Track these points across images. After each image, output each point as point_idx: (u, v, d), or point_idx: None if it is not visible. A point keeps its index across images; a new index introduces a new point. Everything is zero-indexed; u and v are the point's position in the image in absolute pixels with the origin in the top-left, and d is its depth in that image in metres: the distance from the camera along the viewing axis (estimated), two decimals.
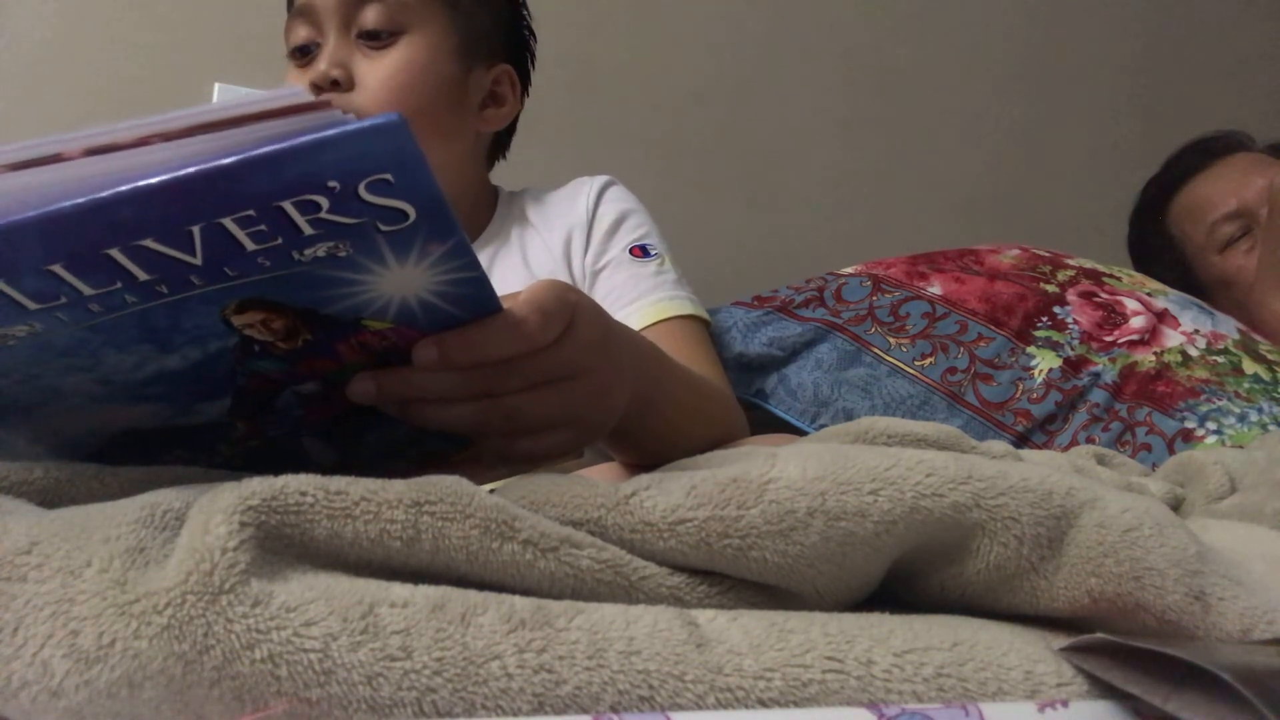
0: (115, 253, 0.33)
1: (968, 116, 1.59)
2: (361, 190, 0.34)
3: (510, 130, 0.99)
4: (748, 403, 0.96)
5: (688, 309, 0.87)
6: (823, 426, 0.88)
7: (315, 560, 0.34)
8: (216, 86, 1.23)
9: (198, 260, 0.35)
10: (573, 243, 0.91)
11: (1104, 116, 1.65)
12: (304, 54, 0.88)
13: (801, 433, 0.89)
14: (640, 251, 0.90)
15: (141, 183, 0.32)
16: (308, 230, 0.35)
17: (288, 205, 0.33)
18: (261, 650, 0.30)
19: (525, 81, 0.98)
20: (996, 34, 1.61)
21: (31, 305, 0.35)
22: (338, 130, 0.32)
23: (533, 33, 0.99)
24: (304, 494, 0.34)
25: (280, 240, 0.35)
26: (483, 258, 0.92)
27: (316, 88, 0.84)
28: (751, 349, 0.98)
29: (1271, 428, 0.83)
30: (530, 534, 0.36)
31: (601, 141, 1.39)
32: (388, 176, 0.34)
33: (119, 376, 0.40)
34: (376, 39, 0.85)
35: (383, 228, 0.36)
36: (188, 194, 0.32)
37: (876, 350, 0.95)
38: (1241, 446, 0.78)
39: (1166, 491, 0.61)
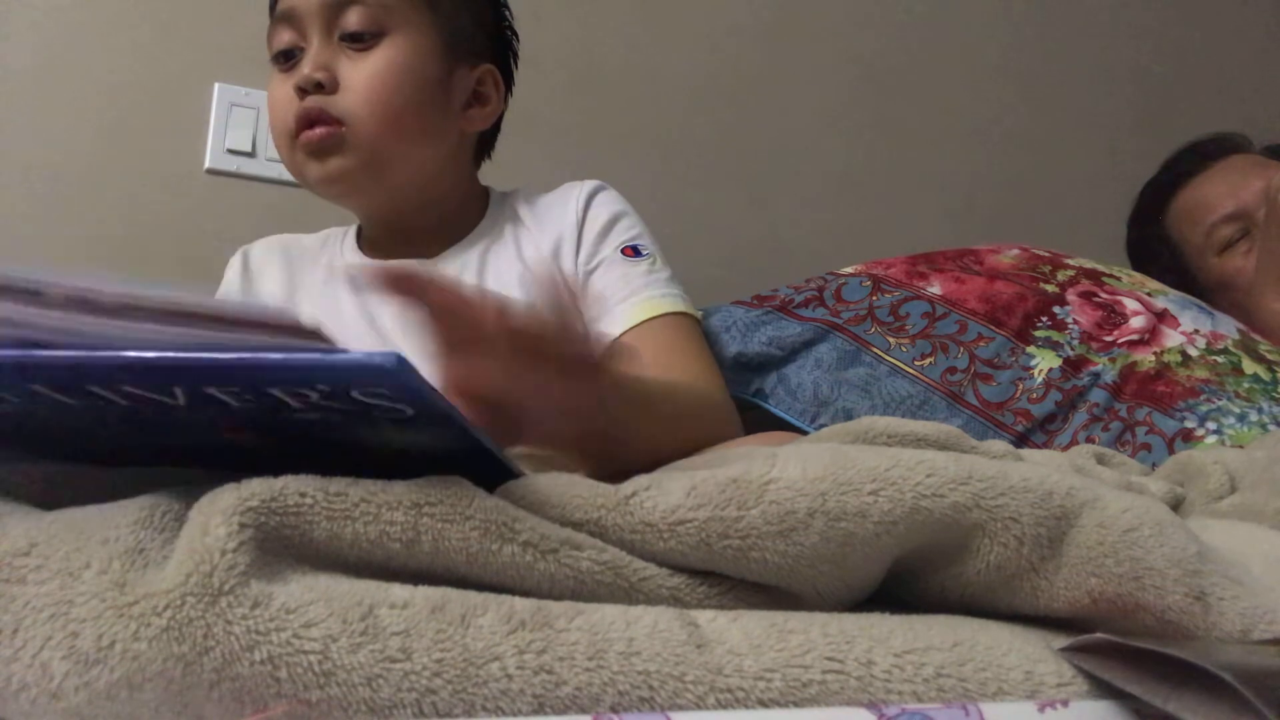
0: (95, 388, 0.33)
1: (968, 116, 1.59)
2: (354, 393, 0.33)
3: (495, 130, 0.99)
4: (748, 403, 0.96)
5: (679, 306, 0.87)
6: (822, 426, 0.88)
7: (315, 561, 0.34)
8: (216, 86, 1.23)
9: (181, 403, 0.34)
10: (563, 248, 0.91)
11: (1104, 116, 1.65)
12: (287, 59, 0.88)
13: (801, 432, 0.89)
14: (632, 251, 0.90)
15: (120, 354, 0.31)
16: (296, 405, 0.34)
17: (275, 390, 0.33)
18: (261, 652, 0.30)
19: (509, 82, 0.98)
20: (997, 34, 1.61)
21: (14, 400, 0.35)
22: (333, 358, 0.31)
23: (515, 33, 1.00)
24: (303, 495, 0.34)
25: (268, 405, 0.34)
26: (475, 253, 0.92)
27: (301, 90, 0.85)
28: (751, 348, 0.98)
29: (1271, 427, 0.83)
30: (530, 535, 0.36)
31: (602, 140, 1.39)
32: (383, 390, 0.33)
33: (111, 439, 0.40)
34: (359, 40, 0.86)
35: (378, 414, 0.35)
36: (169, 372, 0.32)
37: (876, 350, 0.95)
38: (1241, 446, 0.78)
39: (1166, 491, 0.61)
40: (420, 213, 0.92)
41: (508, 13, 0.99)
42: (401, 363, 0.31)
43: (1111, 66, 1.67)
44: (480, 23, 0.95)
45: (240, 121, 1.23)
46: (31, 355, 0.32)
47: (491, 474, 0.41)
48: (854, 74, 1.53)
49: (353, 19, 0.86)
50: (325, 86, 0.85)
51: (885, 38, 1.55)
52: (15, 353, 0.32)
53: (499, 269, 0.91)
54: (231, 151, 1.23)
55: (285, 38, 0.88)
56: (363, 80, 0.85)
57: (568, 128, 1.33)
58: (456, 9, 0.91)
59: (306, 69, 0.85)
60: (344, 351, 0.32)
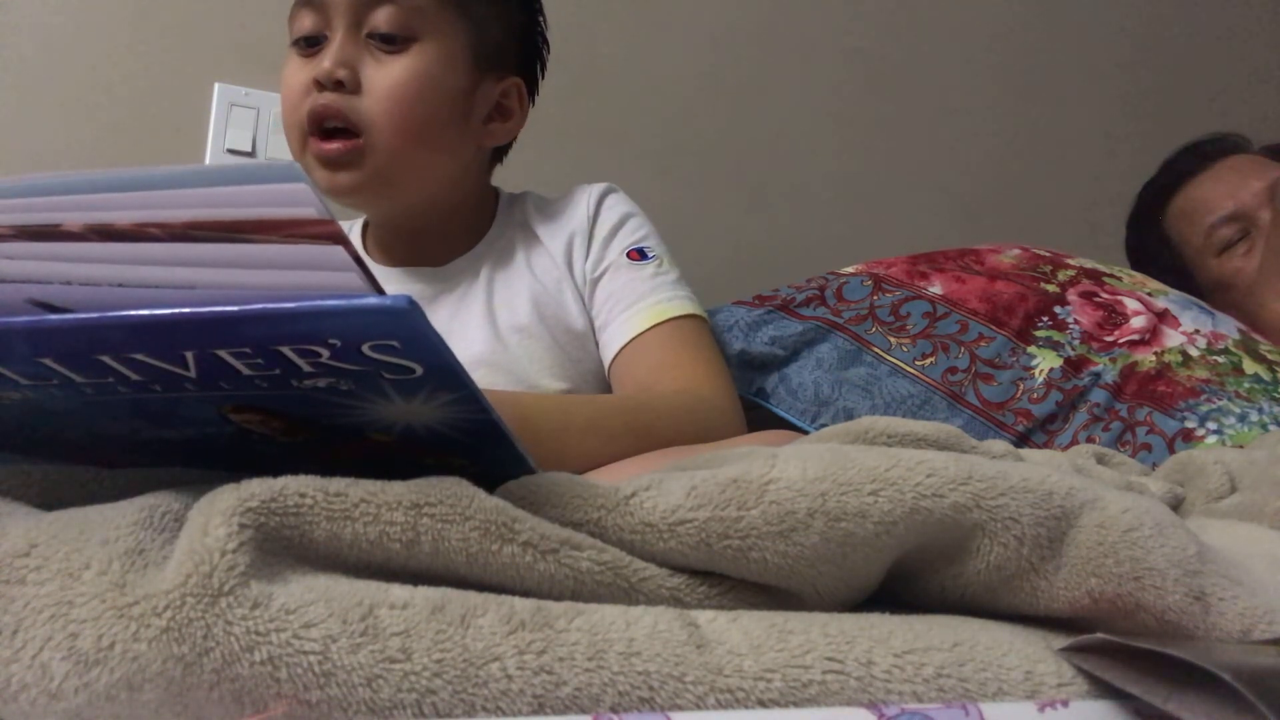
0: (106, 359, 0.33)
1: (968, 116, 1.59)
2: (365, 348, 0.33)
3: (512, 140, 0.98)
4: (750, 402, 0.96)
5: (685, 308, 0.87)
6: (823, 426, 0.88)
7: (315, 562, 0.34)
8: (216, 86, 1.23)
9: (191, 374, 0.34)
10: (574, 248, 0.91)
11: (1103, 116, 1.65)
12: (309, 45, 0.85)
13: (802, 432, 0.89)
14: (638, 254, 0.90)
15: (132, 313, 0.31)
16: (307, 369, 0.34)
17: (286, 349, 0.33)
18: (261, 652, 0.30)
19: (533, 92, 0.97)
20: (996, 34, 1.61)
21: (24, 381, 0.34)
22: (343, 303, 0.31)
23: (546, 42, 0.98)
24: (303, 495, 0.34)
25: (278, 371, 0.34)
26: (484, 263, 0.92)
27: (319, 84, 0.82)
28: (754, 347, 0.98)
29: (1272, 427, 0.83)
30: (530, 536, 0.36)
31: (601, 142, 1.39)
32: (394, 343, 0.33)
33: (115, 436, 0.40)
34: (389, 42, 0.83)
35: (387, 375, 0.34)
36: (180, 330, 0.32)
37: (877, 350, 0.95)
38: (1241, 446, 0.78)
39: (1166, 491, 0.61)
40: (431, 220, 0.91)
41: (541, 19, 0.97)
42: (413, 305, 0.31)
43: (1111, 67, 1.67)
44: (511, 32, 0.93)
45: (240, 121, 1.23)
46: (43, 321, 0.32)
47: (495, 459, 0.41)
48: (853, 74, 1.53)
49: (382, 18, 0.83)
50: (346, 85, 0.82)
51: (885, 37, 1.55)
52: (26, 319, 0.32)
53: (507, 279, 0.91)
54: (231, 151, 1.23)
55: (308, 23, 0.85)
56: (386, 86, 0.82)
57: (568, 128, 1.33)
58: (490, 18, 0.89)
59: (328, 63, 0.82)
60: (357, 297, 0.32)
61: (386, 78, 0.83)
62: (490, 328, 0.88)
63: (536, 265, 0.91)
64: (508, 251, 0.92)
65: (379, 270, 0.92)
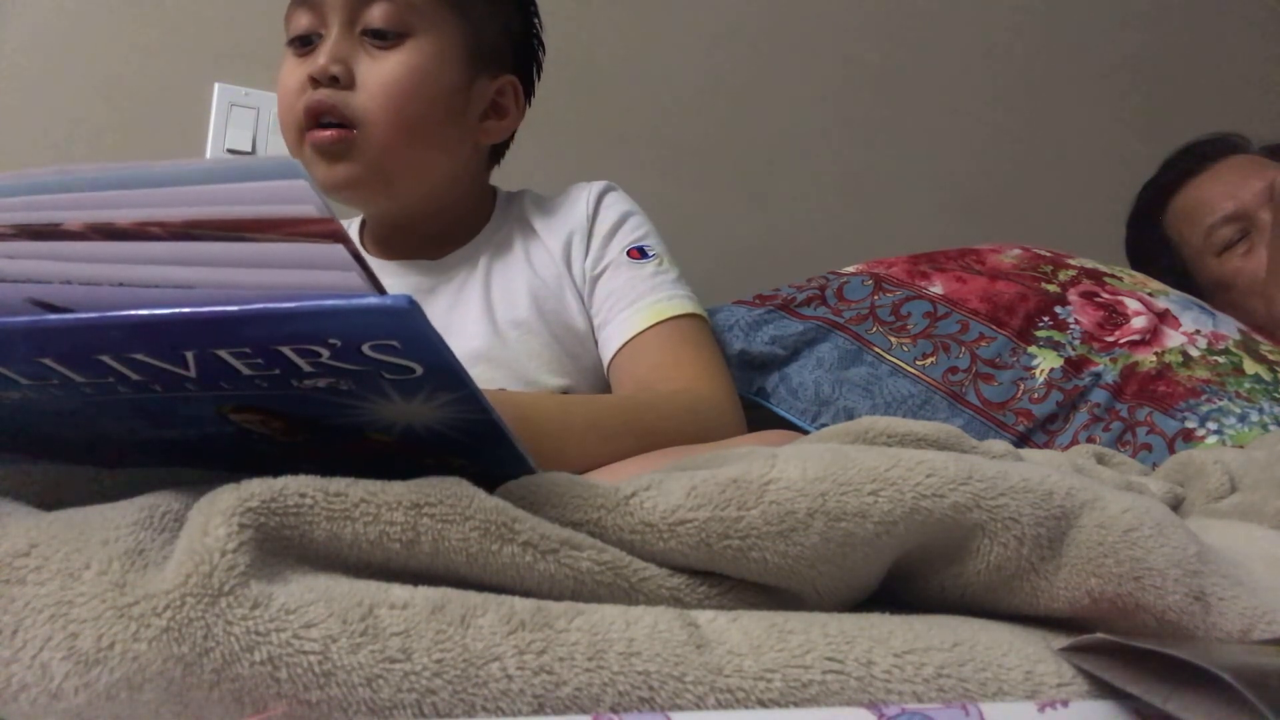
0: (106, 358, 0.33)
1: (968, 117, 1.59)
2: (365, 348, 0.33)
3: (508, 139, 0.98)
4: (750, 401, 0.96)
5: (686, 307, 0.87)
6: (824, 426, 0.88)
7: (315, 562, 0.34)
8: (216, 86, 1.23)
9: (191, 374, 0.34)
10: (573, 246, 0.90)
11: (1104, 116, 1.65)
12: (305, 44, 0.86)
13: (803, 431, 0.89)
14: (638, 253, 0.90)
15: (132, 313, 0.31)
16: (307, 368, 0.34)
17: (286, 350, 0.33)
18: (261, 652, 0.30)
19: (529, 93, 0.97)
20: (996, 34, 1.61)
21: (24, 381, 0.35)
22: (343, 303, 0.31)
23: (542, 44, 0.98)
24: (303, 495, 0.34)
25: (278, 371, 0.34)
26: (481, 257, 0.92)
27: (314, 81, 0.82)
28: (754, 347, 0.98)
29: (1272, 427, 0.83)
30: (530, 536, 0.36)
31: (601, 141, 1.39)
32: (394, 343, 0.33)
33: (114, 437, 0.40)
34: (383, 38, 0.83)
35: (387, 375, 0.34)
36: (180, 330, 0.32)
37: (878, 349, 0.95)
38: (1242, 446, 0.78)
39: (1166, 491, 0.61)
40: (428, 218, 0.91)
41: (537, 22, 0.97)
42: (414, 305, 0.31)
43: (1111, 67, 1.67)
44: (508, 31, 0.93)
45: (240, 121, 1.23)
46: (43, 321, 0.32)
47: (495, 459, 0.41)
48: (854, 74, 1.53)
49: (377, 14, 0.83)
50: (340, 81, 0.82)
51: (885, 37, 1.55)
52: (26, 319, 0.32)
53: (505, 273, 0.91)
54: (231, 151, 1.23)
55: (303, 22, 0.85)
56: (380, 82, 0.83)
57: (567, 128, 1.33)
58: (486, 16, 0.89)
59: (323, 59, 0.82)
60: (357, 297, 0.31)
61: (380, 73, 0.83)
62: (489, 322, 0.88)
63: (535, 260, 0.91)
64: (506, 244, 0.92)
65: (376, 263, 0.92)
